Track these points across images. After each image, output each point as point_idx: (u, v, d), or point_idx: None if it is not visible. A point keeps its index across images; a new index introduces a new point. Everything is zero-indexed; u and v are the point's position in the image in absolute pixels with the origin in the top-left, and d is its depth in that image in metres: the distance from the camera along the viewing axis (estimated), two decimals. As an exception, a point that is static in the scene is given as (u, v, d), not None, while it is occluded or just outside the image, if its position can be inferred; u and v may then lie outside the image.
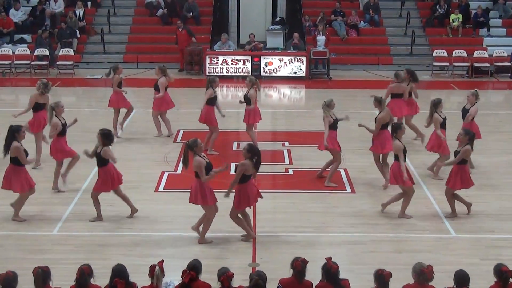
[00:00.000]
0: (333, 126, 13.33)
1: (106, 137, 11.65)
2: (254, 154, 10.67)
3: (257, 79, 15.78)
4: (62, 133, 13.00)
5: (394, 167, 11.89)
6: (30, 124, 14.15)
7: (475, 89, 14.91)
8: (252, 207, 11.43)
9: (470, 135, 11.77)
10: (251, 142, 14.00)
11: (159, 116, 16.62)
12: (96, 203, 11.79)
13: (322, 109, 13.44)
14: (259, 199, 11.16)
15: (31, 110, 14.59)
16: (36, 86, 14.76)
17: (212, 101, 15.24)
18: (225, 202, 10.90)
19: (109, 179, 11.60)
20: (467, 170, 11.95)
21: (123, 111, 16.87)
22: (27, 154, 11.63)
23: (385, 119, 13.33)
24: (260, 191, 11.22)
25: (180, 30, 24.41)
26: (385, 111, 13.47)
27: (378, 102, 13.65)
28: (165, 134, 16.66)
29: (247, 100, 15.18)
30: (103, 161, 11.60)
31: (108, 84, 22.70)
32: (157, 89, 16.41)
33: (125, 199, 11.84)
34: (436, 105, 13.73)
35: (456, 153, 11.82)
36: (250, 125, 15.35)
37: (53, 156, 13.12)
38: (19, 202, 11.75)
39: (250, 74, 23.19)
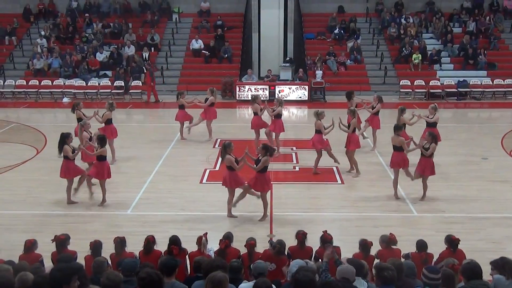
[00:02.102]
0: (319, 130, 13.40)
1: (100, 140, 11.66)
2: (267, 151, 10.70)
3: (283, 99, 15.86)
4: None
5: (397, 156, 11.87)
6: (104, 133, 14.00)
7: (435, 103, 14.86)
8: (269, 194, 11.39)
9: (432, 135, 11.73)
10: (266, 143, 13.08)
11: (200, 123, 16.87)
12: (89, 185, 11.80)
13: (313, 115, 13.50)
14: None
15: (104, 123, 14.55)
16: (105, 106, 14.78)
17: (256, 113, 15.27)
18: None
19: (103, 171, 11.57)
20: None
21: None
22: (73, 151, 11.66)
23: (355, 124, 13.60)
24: (275, 182, 11.26)
25: (146, 71, 24.26)
26: (356, 119, 13.64)
27: (353, 112, 13.64)
28: (206, 139, 16.79)
29: (277, 115, 15.15)
30: (100, 157, 11.61)
31: (166, 106, 22.97)
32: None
33: (104, 191, 11.77)
34: (402, 110, 14.14)
35: (426, 149, 11.69)
36: (277, 133, 15.31)
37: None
38: (69, 188, 11.78)
39: (267, 98, 23.27)
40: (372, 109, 15.48)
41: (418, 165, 11.86)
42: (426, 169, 11.70)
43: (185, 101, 16.77)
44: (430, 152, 11.57)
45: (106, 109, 14.63)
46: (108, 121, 14.58)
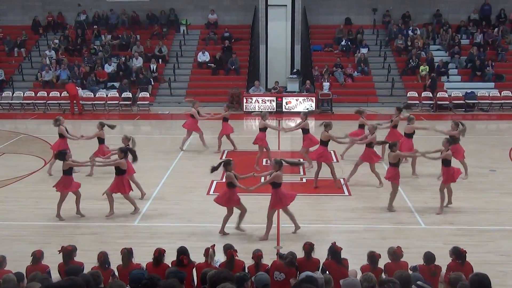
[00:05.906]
0: (325, 143, 13.47)
1: (123, 152, 11.68)
2: (280, 166, 10.60)
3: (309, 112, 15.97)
4: None
5: (391, 171, 11.87)
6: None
7: (459, 121, 14.53)
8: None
9: (450, 142, 11.80)
10: (278, 158, 13.34)
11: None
12: (110, 200, 11.74)
13: (323, 126, 13.53)
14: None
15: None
16: (97, 126, 14.72)
17: (264, 129, 15.31)
18: (257, 202, 10.91)
19: (122, 184, 11.58)
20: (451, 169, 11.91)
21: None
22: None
23: (373, 139, 13.62)
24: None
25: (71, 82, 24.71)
26: (375, 135, 13.66)
27: (374, 128, 13.72)
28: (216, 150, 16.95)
29: (305, 130, 15.14)
30: (120, 171, 11.60)
31: (173, 118, 23.04)
32: (224, 120, 16.95)
33: (132, 201, 11.84)
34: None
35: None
36: (304, 148, 15.27)
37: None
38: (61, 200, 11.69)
39: (275, 110, 23.40)
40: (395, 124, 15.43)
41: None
42: (444, 176, 11.79)
43: (196, 111, 16.90)
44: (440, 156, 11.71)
45: (98, 128, 14.66)
46: (101, 141, 14.66)
